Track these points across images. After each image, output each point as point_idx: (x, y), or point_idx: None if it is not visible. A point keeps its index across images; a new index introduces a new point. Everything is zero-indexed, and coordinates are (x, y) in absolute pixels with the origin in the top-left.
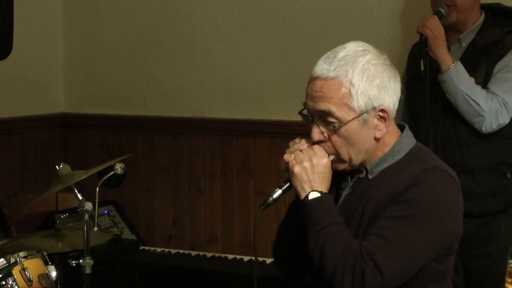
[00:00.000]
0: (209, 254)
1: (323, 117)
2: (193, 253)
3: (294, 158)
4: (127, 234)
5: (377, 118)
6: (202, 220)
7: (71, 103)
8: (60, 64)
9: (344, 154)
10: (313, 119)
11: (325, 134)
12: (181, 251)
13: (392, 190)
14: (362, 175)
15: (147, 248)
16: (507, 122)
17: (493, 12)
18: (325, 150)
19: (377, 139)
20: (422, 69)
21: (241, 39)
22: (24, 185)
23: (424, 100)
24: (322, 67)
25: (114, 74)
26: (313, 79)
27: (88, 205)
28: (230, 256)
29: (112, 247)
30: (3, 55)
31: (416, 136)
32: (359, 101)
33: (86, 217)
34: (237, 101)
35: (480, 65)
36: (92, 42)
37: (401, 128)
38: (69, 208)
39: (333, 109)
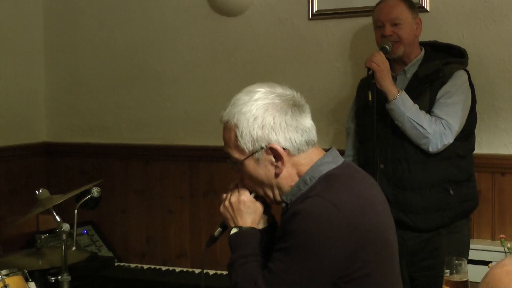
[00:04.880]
0: (178, 269)
1: (229, 159)
2: (164, 268)
3: (223, 198)
4: (105, 252)
5: (272, 156)
6: (173, 237)
7: (53, 133)
8: (42, 98)
9: (258, 190)
10: None
11: (238, 175)
12: (153, 266)
13: (283, 221)
14: (284, 206)
15: (121, 264)
16: (451, 141)
17: (433, 48)
18: (248, 189)
19: (277, 175)
20: (370, 99)
21: (206, 74)
22: (12, 208)
23: (372, 126)
24: (221, 113)
25: (92, 106)
26: None
27: (66, 226)
28: (197, 270)
29: (89, 263)
30: None
31: (367, 160)
32: (246, 142)
33: (64, 236)
34: (203, 130)
35: (425, 92)
36: (72, 78)
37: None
38: (50, 229)
39: (230, 151)
